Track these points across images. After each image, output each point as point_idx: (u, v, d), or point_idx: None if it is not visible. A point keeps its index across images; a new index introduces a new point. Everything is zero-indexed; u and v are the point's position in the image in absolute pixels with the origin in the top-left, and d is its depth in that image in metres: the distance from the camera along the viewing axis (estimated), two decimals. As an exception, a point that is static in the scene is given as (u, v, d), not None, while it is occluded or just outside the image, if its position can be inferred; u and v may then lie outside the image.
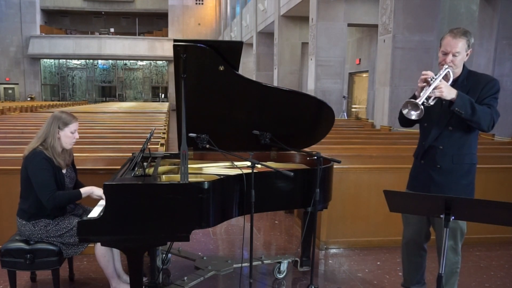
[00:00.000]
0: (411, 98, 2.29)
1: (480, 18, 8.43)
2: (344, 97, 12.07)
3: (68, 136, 2.72)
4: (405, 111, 2.24)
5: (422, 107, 2.19)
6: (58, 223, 2.67)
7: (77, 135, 2.79)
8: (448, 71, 2.34)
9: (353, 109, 15.48)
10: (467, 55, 2.38)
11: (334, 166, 3.19)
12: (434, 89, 2.22)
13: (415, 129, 2.77)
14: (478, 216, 1.96)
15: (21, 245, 2.63)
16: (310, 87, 11.68)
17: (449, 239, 2.49)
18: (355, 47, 14.82)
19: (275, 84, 14.64)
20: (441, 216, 1.92)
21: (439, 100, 2.32)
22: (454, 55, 2.33)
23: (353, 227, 3.89)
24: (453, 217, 1.91)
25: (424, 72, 2.31)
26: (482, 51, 8.22)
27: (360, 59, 14.46)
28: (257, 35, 18.40)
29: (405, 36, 7.43)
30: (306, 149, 3.25)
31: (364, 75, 14.75)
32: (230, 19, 26.50)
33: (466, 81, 2.40)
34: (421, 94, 2.24)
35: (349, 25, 11.56)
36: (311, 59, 11.50)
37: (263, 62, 18.12)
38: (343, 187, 3.78)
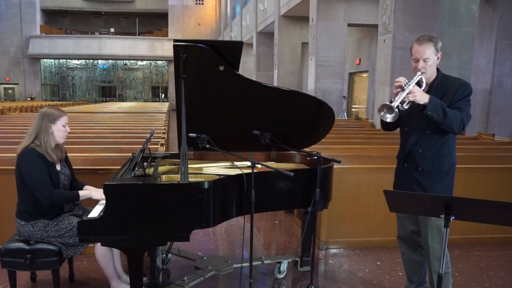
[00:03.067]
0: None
1: (480, 18, 8.42)
2: (344, 97, 12.07)
3: (60, 130, 2.73)
4: (380, 114, 2.37)
5: (396, 110, 2.33)
6: (58, 223, 2.67)
7: (68, 129, 2.80)
8: (421, 77, 2.46)
9: (353, 109, 15.48)
10: (438, 58, 2.50)
11: (334, 166, 3.20)
12: (408, 94, 2.35)
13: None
14: (478, 216, 1.96)
15: (21, 245, 2.63)
16: (310, 87, 11.68)
17: (438, 238, 2.54)
18: (355, 47, 14.82)
19: (275, 84, 14.63)
20: (441, 216, 1.92)
21: (418, 107, 2.42)
22: (424, 61, 2.46)
23: (353, 227, 3.89)
24: (453, 217, 1.90)
25: (397, 79, 2.44)
26: (482, 51, 8.22)
27: (360, 59, 14.46)
28: (257, 35, 18.39)
29: (405, 36, 7.42)
30: (306, 149, 3.25)
31: (364, 75, 14.75)
32: (230, 19, 26.49)
33: (441, 85, 2.51)
34: (396, 98, 2.37)
35: (349, 25, 11.55)
36: (311, 59, 11.50)
37: (263, 62, 18.12)
38: (343, 187, 3.78)
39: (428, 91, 2.48)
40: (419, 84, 2.45)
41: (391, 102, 2.41)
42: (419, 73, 2.46)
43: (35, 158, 2.61)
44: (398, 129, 2.78)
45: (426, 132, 2.52)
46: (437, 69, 2.55)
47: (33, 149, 2.64)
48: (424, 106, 2.36)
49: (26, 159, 2.61)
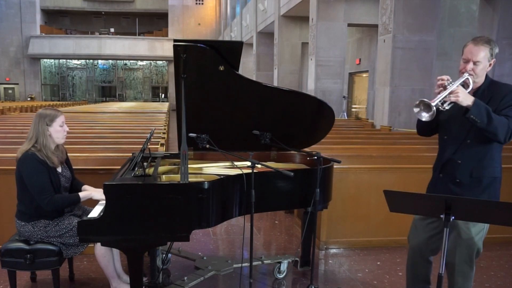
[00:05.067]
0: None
1: (480, 18, 8.43)
2: (344, 97, 12.08)
3: (58, 131, 2.70)
4: (416, 110, 2.17)
5: (434, 109, 2.11)
6: (58, 223, 2.67)
7: (66, 128, 2.76)
8: (468, 78, 2.28)
9: (353, 109, 15.48)
10: (490, 65, 2.31)
11: (334, 166, 3.19)
12: (450, 93, 2.17)
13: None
14: (478, 216, 1.96)
15: (21, 245, 2.63)
16: (310, 87, 11.68)
17: (464, 254, 2.38)
18: (355, 47, 14.82)
19: (275, 84, 14.64)
20: (441, 216, 1.91)
21: (460, 112, 2.22)
22: (474, 64, 2.27)
23: (353, 227, 3.89)
24: (453, 217, 1.90)
25: (439, 77, 2.25)
26: (482, 51, 8.22)
27: (360, 59, 14.47)
28: (257, 35, 18.40)
29: (405, 36, 7.43)
30: (306, 149, 3.25)
31: (364, 75, 14.75)
32: (230, 19, 26.50)
33: (487, 91, 2.31)
34: (437, 97, 2.18)
35: (349, 25, 11.56)
36: (311, 59, 11.50)
37: (263, 62, 18.13)
38: (343, 187, 3.78)
39: (472, 96, 2.24)
40: (465, 86, 2.25)
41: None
42: (466, 74, 2.26)
43: (36, 164, 2.59)
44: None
45: (467, 141, 2.31)
46: (486, 75, 2.35)
47: (34, 154, 2.61)
48: (467, 109, 2.15)
49: (27, 165, 2.59)
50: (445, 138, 2.45)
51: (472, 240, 2.37)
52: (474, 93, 2.32)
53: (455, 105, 2.21)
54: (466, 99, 2.15)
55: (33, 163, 2.59)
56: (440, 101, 2.18)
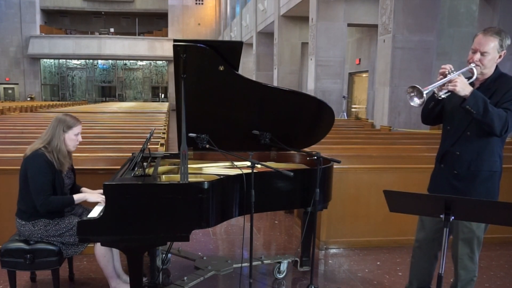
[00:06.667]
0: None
1: (480, 18, 8.44)
2: (344, 97, 12.08)
3: (71, 139, 2.74)
4: (409, 95, 2.17)
5: (425, 96, 2.10)
6: (58, 222, 2.67)
7: (80, 138, 2.81)
8: (472, 69, 2.26)
9: (353, 109, 15.48)
10: (500, 56, 2.29)
11: (334, 166, 3.20)
12: (449, 82, 2.14)
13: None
14: (478, 216, 1.96)
15: (21, 245, 2.63)
16: (310, 87, 11.69)
17: (466, 247, 2.40)
18: (355, 47, 14.82)
19: (275, 84, 14.64)
20: (441, 216, 1.91)
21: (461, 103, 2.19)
22: (482, 54, 2.24)
23: (353, 227, 3.89)
24: (453, 217, 1.90)
25: (443, 66, 2.22)
26: (482, 51, 8.22)
27: (360, 59, 14.46)
28: (257, 35, 18.40)
29: (405, 36, 7.43)
30: (306, 149, 3.25)
31: (364, 75, 14.75)
32: (230, 19, 26.50)
33: (493, 84, 2.29)
34: (433, 84, 2.17)
35: (349, 25, 11.56)
36: (311, 59, 11.50)
37: (263, 62, 18.13)
38: (343, 187, 3.78)
39: (478, 88, 2.26)
40: (469, 77, 2.23)
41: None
42: (472, 65, 2.25)
43: (43, 164, 2.61)
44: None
45: (466, 133, 2.30)
46: (496, 66, 2.32)
47: (43, 154, 2.63)
48: (464, 99, 2.14)
49: (34, 164, 2.60)
50: (448, 129, 2.45)
51: (473, 233, 2.38)
52: (481, 84, 2.30)
53: (460, 96, 2.18)
54: (464, 89, 2.14)
55: (40, 162, 2.61)
56: (435, 88, 2.17)
